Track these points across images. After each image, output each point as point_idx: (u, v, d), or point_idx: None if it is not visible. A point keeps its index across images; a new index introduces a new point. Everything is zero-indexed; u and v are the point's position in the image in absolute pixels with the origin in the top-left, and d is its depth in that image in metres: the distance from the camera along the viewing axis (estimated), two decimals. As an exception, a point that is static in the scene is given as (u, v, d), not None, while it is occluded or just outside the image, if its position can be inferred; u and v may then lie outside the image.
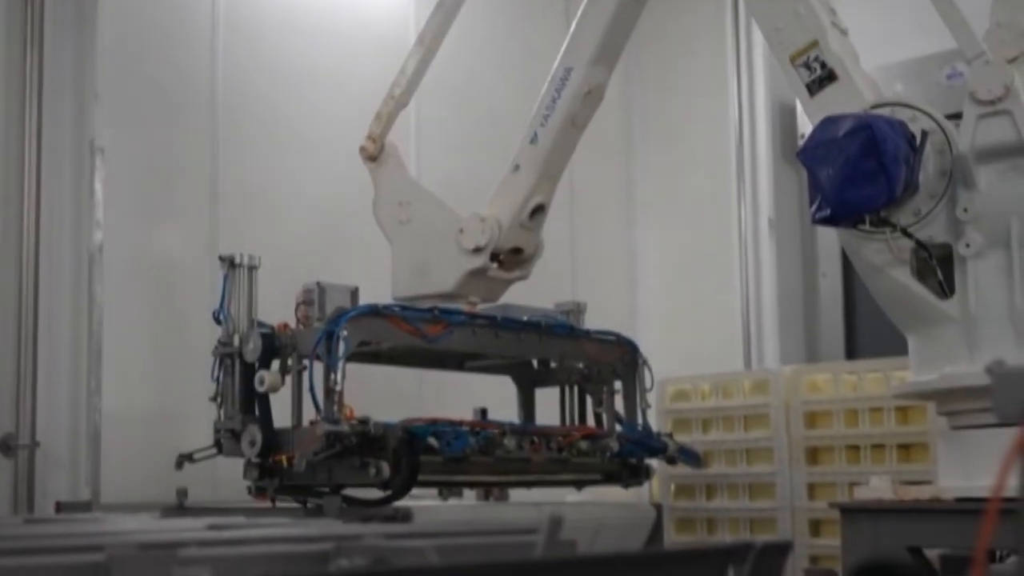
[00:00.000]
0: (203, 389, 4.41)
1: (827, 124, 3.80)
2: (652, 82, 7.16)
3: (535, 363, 5.16)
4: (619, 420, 5.00)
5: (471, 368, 5.07)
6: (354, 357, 4.19)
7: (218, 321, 4.36)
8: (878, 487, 4.01)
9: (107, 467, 4.82)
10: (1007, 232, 3.68)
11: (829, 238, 6.21)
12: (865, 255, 3.93)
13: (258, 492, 4.26)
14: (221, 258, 4.42)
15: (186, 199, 5.31)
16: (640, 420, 5.01)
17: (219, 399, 4.33)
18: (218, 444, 4.33)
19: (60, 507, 4.55)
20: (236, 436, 4.25)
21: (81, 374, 4.85)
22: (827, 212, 3.76)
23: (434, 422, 4.20)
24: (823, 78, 4.00)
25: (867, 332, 6.33)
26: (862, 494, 4.09)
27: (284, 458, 4.14)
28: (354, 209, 5.15)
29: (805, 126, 6.26)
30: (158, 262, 5.22)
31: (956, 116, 3.81)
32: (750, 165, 6.71)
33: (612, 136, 7.02)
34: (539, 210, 4.64)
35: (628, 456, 4.85)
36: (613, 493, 6.06)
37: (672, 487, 5.67)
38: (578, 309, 5.17)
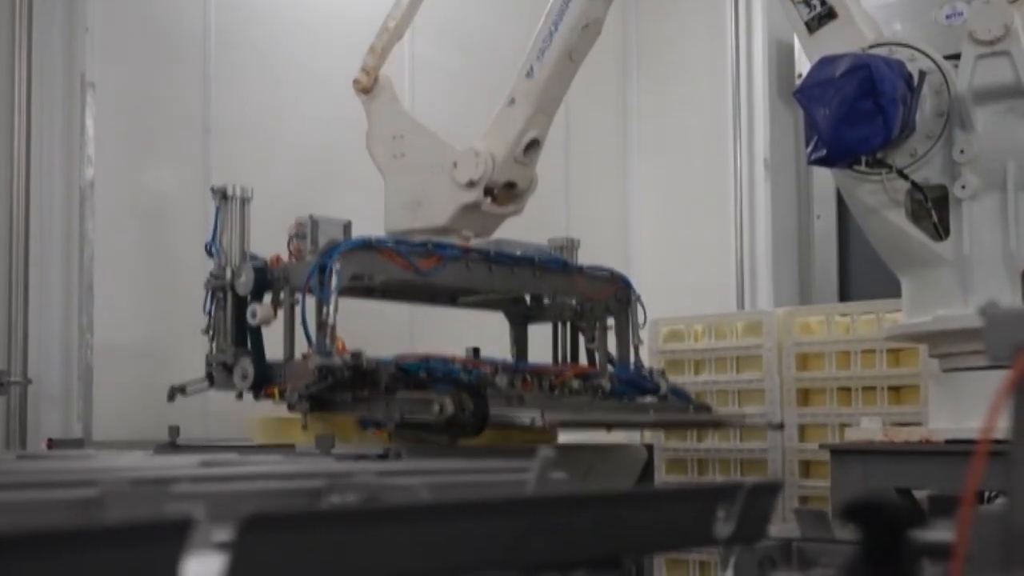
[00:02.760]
0: (196, 325, 4.42)
1: (824, 64, 3.79)
2: (649, 21, 7.11)
3: (528, 299, 5.15)
4: (610, 360, 5.01)
5: (464, 304, 5.05)
6: (346, 291, 4.18)
7: (210, 254, 4.35)
8: (868, 429, 4.04)
9: (99, 404, 4.83)
10: (1003, 174, 3.69)
11: (824, 179, 6.20)
12: (860, 196, 3.93)
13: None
14: (213, 190, 4.40)
15: (178, 134, 5.28)
16: (632, 357, 5.02)
17: (211, 332, 4.32)
18: (210, 377, 4.33)
19: (52, 444, 4.56)
20: (228, 369, 4.25)
21: (72, 310, 4.85)
22: (823, 152, 3.75)
23: (426, 359, 4.20)
24: (822, 15, 3.97)
25: (861, 274, 6.34)
26: (852, 435, 4.13)
27: (276, 391, 4.14)
28: (348, 144, 5.12)
29: (803, 65, 6.24)
30: (150, 197, 5.20)
31: (954, 57, 3.79)
32: (746, 105, 6.68)
33: (608, 75, 6.98)
34: (534, 145, 4.62)
35: (620, 396, 4.87)
36: (604, 433, 6.07)
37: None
38: (572, 245, 5.16)
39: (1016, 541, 1.51)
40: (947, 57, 3.84)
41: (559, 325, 5.18)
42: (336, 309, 4.02)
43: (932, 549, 1.62)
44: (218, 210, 4.35)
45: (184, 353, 4.78)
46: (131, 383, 4.94)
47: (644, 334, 5.11)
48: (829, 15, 3.96)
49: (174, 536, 1.07)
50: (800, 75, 5.87)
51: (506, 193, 4.66)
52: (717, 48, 6.77)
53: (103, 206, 4.91)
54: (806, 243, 6.69)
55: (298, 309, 4.14)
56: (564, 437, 5.61)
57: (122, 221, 5.03)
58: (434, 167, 4.58)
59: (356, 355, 4.00)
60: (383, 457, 3.84)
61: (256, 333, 4.26)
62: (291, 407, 4.10)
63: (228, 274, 4.27)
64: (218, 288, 4.30)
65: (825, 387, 5.18)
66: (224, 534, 1.15)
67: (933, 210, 3.81)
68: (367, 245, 4.21)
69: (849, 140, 3.71)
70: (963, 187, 3.73)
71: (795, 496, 5.10)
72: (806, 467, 5.22)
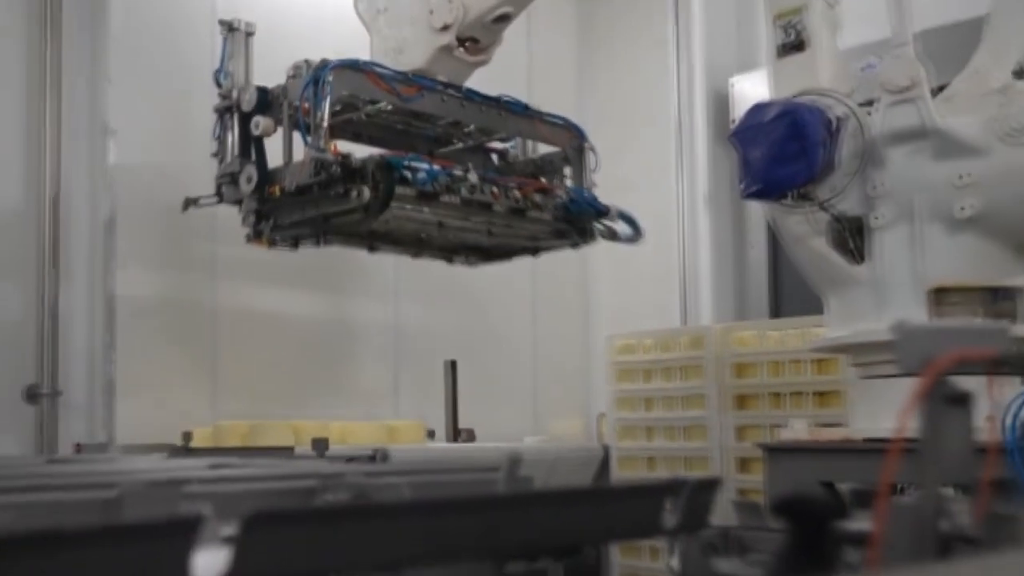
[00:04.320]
0: (211, 354, 4.38)
1: (756, 110, 3.81)
2: (601, 75, 7.14)
3: (495, 158, 5.00)
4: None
5: (440, 155, 4.80)
6: (336, 132, 4.14)
7: (218, 83, 4.34)
8: (797, 429, 4.05)
9: (121, 414, 4.79)
10: (911, 206, 3.71)
11: (757, 212, 6.23)
12: (788, 226, 3.95)
13: (256, 237, 4.25)
14: (221, 22, 4.39)
15: (197, 179, 5.24)
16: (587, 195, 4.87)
17: (220, 155, 4.30)
18: (219, 192, 4.31)
19: (79, 448, 4.52)
20: (235, 180, 4.23)
21: (97, 332, 4.81)
22: (755, 188, 3.77)
23: (406, 154, 4.19)
24: (793, 45, 3.98)
25: (789, 294, 6.37)
26: (783, 435, 4.13)
27: (277, 188, 4.13)
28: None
29: (737, 111, 6.28)
30: (168, 224, 5.15)
31: (869, 103, 3.83)
32: (688, 147, 6.70)
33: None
34: (504, 19, 4.50)
35: (576, 212, 4.72)
36: (567, 435, 6.07)
37: (618, 429, 5.71)
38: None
39: (927, 529, 1.52)
40: (864, 103, 3.87)
41: None
42: (329, 114, 4.00)
43: (853, 537, 1.62)
44: (225, 40, 4.35)
45: (195, 375, 4.73)
46: (148, 397, 4.89)
47: (596, 177, 4.92)
48: (798, 47, 3.96)
49: (186, 532, 1.06)
50: (734, 120, 5.91)
51: (473, 46, 4.56)
52: (662, 98, 6.80)
53: (125, 237, 4.89)
54: (742, 268, 6.71)
55: (297, 136, 4.09)
56: (530, 439, 5.59)
57: (142, 248, 4.99)
58: (414, 17, 4.54)
59: (346, 156, 4.01)
60: (372, 459, 3.82)
61: (259, 143, 4.24)
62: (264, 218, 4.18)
63: (235, 95, 4.27)
64: (225, 109, 4.29)
65: (759, 393, 5.19)
66: (230, 529, 1.14)
67: (851, 238, 3.83)
68: (355, 66, 4.19)
69: (778, 177, 3.72)
70: (877, 218, 3.75)
71: (734, 489, 5.11)
72: (743, 464, 5.22)
